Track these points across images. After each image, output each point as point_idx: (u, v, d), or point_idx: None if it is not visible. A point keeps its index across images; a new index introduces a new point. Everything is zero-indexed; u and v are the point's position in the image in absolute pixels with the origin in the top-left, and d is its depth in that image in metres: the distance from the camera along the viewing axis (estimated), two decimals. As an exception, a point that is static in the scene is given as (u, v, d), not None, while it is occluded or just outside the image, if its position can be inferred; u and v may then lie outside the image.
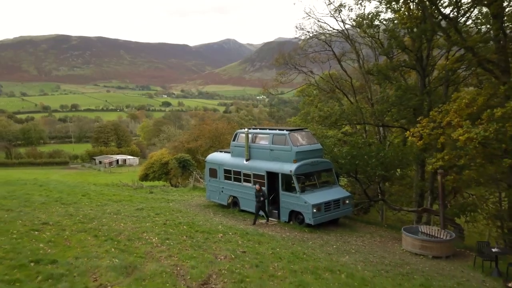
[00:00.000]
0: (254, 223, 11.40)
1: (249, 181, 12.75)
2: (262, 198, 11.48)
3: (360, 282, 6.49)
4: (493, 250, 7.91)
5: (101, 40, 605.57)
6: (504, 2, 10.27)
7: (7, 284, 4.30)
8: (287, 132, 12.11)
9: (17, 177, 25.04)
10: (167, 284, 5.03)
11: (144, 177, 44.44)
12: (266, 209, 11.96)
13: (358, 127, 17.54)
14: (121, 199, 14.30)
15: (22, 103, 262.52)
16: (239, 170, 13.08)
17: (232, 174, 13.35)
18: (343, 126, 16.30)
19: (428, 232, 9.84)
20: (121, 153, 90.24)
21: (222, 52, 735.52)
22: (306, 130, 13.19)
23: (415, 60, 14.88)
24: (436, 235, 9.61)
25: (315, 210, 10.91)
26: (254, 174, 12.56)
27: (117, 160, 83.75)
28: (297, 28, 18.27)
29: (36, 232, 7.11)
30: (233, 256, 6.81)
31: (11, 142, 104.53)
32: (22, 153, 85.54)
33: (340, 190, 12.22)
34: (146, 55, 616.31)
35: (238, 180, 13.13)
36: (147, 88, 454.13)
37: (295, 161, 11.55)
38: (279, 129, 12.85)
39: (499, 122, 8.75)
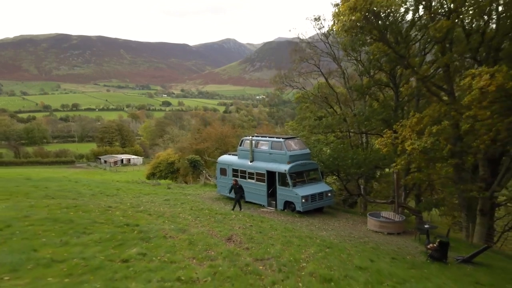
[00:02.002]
0: (233, 209, 14.05)
1: (252, 178, 16.10)
2: (240, 188, 14.27)
3: (329, 245, 9.81)
4: (425, 226, 11.27)
5: (101, 40, 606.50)
6: (447, 44, 13.59)
7: (122, 234, 7.61)
8: (283, 140, 15.47)
9: (39, 176, 27.84)
10: (207, 237, 8.35)
11: (151, 176, 47.82)
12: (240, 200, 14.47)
13: (344, 133, 20.88)
14: (148, 192, 17.64)
15: (23, 102, 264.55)
16: (244, 169, 16.43)
17: (239, 173, 16.68)
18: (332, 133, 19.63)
19: (387, 216, 13.20)
20: (125, 152, 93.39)
21: (222, 52, 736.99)
22: (297, 138, 16.56)
23: (389, 78, 18.21)
24: (391, 218, 12.97)
25: (303, 200, 14.25)
26: (256, 173, 15.91)
27: (122, 160, 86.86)
28: (294, 51, 21.64)
29: (110, 211, 10.43)
30: (244, 227, 10.15)
31: (15, 141, 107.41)
32: (30, 153, 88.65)
33: (324, 185, 15.57)
34: (146, 54, 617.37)
35: (244, 177, 16.48)
36: (147, 87, 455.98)
37: (289, 162, 14.89)
38: (277, 137, 16.20)
39: (435, 136, 12.08)
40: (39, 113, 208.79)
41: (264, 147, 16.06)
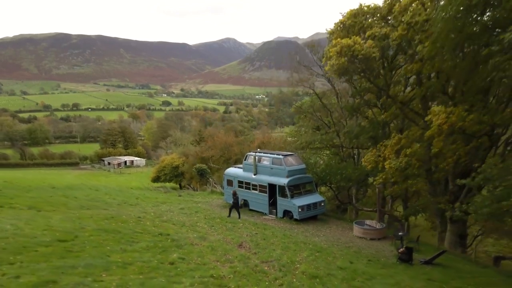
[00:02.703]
0: (229, 215, 16.42)
1: (256, 189, 18.51)
2: (235, 200, 16.54)
3: (319, 249, 12.23)
4: (399, 233, 13.69)
5: (101, 39, 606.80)
6: (422, 75, 15.99)
7: (160, 242, 9.99)
8: (282, 157, 17.87)
9: (60, 183, 29.90)
10: (224, 244, 10.75)
11: (156, 179, 50.29)
12: (238, 208, 16.70)
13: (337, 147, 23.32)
14: (164, 201, 20.06)
15: (23, 102, 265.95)
16: (249, 181, 18.84)
17: (244, 184, 19.09)
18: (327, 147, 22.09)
19: (370, 224, 15.63)
20: (128, 154, 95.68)
21: (222, 51, 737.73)
22: (295, 154, 18.98)
23: (377, 99, 20.59)
24: (374, 225, 15.41)
25: (300, 210, 16.67)
26: (259, 185, 18.32)
27: (125, 162, 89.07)
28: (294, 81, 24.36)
29: (141, 222, 12.82)
30: (251, 235, 12.58)
31: (18, 141, 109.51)
32: (35, 154, 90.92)
33: (318, 196, 17.99)
34: (146, 54, 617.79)
35: (248, 188, 18.89)
36: (147, 87, 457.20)
37: (288, 176, 17.30)
38: (277, 154, 18.61)
39: (409, 157, 14.50)
40: (39, 112, 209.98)
41: (266, 162, 18.47)
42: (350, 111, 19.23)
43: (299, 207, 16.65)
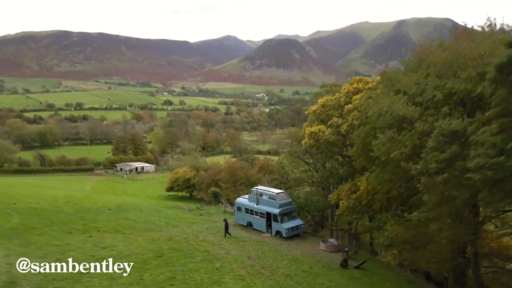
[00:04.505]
0: (225, 236, 24.42)
1: (257, 215, 27.11)
2: (226, 223, 24.95)
3: (295, 259, 20.82)
4: (346, 248, 22.33)
5: (102, 36, 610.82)
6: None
7: (210, 256, 18.57)
8: (275, 194, 26.47)
9: (110, 204, 37.67)
10: (240, 257, 19.37)
11: (170, 189, 59.11)
12: (228, 231, 25.21)
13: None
14: (193, 221, 28.68)
15: (27, 101, 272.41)
16: (252, 209, 27.45)
17: (249, 211, 27.69)
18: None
19: (331, 241, 24.29)
20: (138, 160, 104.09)
21: (222, 49, 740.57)
22: (285, 192, 27.58)
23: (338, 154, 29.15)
24: (333, 242, 24.07)
25: (287, 230, 25.30)
26: (260, 212, 26.92)
27: (136, 168, 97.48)
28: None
29: (189, 242, 21.41)
30: (255, 250, 21.26)
31: (29, 144, 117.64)
32: (54, 160, 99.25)
33: (299, 221, 26.63)
34: (146, 51, 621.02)
35: (252, 214, 27.50)
36: (148, 85, 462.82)
37: (279, 207, 25.89)
38: (272, 191, 27.17)
39: (354, 200, 23.08)
40: (43, 112, 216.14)
41: (264, 196, 27.08)
42: (324, 159, 27.90)
43: (286, 229, 25.31)
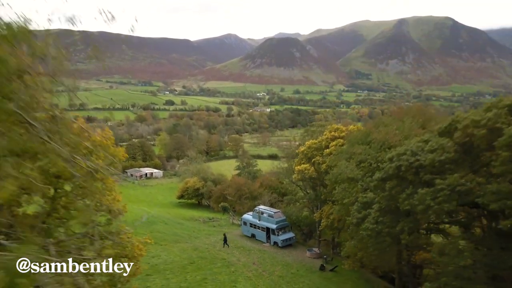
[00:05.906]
0: (223, 246, 32.86)
1: (259, 229, 35.09)
2: (225, 237, 33.03)
3: (286, 264, 28.83)
4: (324, 256, 30.30)
5: (103, 35, 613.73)
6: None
7: (227, 263, 26.52)
8: (273, 213, 34.47)
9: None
10: (248, 264, 27.35)
11: (181, 197, 67.36)
12: (227, 242, 33.89)
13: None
14: (208, 233, 36.69)
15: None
16: (255, 224, 35.45)
17: (253, 225, 35.67)
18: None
19: (314, 249, 32.30)
20: (147, 166, 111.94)
21: (223, 47, 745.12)
22: (280, 211, 35.54)
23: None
24: (316, 250, 32.07)
25: (282, 241, 33.33)
26: (261, 226, 34.91)
27: (146, 174, 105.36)
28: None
29: (210, 251, 29.40)
30: (258, 257, 29.31)
31: None
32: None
33: (292, 234, 34.65)
34: (148, 50, 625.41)
35: (255, 227, 35.50)
36: (149, 83, 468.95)
37: (276, 223, 33.86)
38: (271, 210, 35.13)
39: (332, 219, 30.96)
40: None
41: (265, 214, 35.06)
42: (311, 186, 35.91)
43: (281, 240, 33.35)
